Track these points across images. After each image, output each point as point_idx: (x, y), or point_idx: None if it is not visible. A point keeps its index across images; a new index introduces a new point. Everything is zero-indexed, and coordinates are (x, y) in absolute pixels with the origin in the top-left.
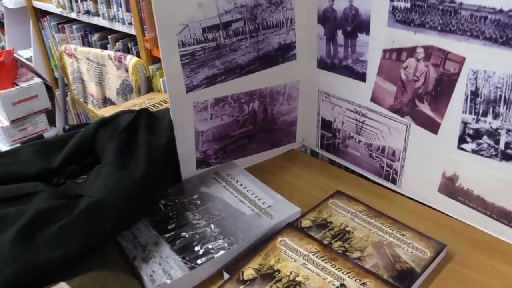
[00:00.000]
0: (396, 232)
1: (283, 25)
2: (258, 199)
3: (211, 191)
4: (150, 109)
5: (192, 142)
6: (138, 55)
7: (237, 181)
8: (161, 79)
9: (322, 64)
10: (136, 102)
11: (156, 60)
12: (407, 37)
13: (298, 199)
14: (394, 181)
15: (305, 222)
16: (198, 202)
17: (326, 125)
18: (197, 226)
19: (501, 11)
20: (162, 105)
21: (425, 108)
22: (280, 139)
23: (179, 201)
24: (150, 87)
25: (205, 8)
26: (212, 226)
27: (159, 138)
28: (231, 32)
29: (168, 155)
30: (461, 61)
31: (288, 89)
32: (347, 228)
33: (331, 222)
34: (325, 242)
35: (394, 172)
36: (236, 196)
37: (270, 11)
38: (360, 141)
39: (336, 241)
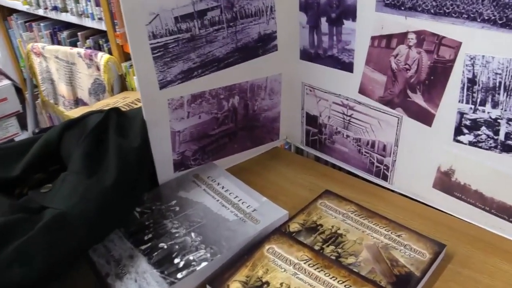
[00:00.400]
0: (391, 233)
1: (263, 14)
2: (242, 203)
3: (191, 196)
4: (123, 109)
5: (168, 143)
6: (110, 52)
7: (218, 184)
8: (135, 77)
9: (306, 55)
10: (109, 102)
11: (129, 57)
12: (397, 22)
13: (285, 200)
14: (385, 178)
15: (294, 226)
16: (177, 208)
17: (311, 120)
18: (176, 235)
19: None
20: (136, 104)
21: (418, 98)
22: (262, 136)
23: (156, 208)
24: (123, 86)
25: None
26: (192, 234)
27: (131, 140)
28: (207, 21)
29: (142, 158)
30: (457, 46)
31: (269, 83)
32: (339, 231)
33: (321, 225)
34: (316, 247)
35: (385, 168)
36: (218, 200)
37: None
38: (348, 136)
39: (328, 246)
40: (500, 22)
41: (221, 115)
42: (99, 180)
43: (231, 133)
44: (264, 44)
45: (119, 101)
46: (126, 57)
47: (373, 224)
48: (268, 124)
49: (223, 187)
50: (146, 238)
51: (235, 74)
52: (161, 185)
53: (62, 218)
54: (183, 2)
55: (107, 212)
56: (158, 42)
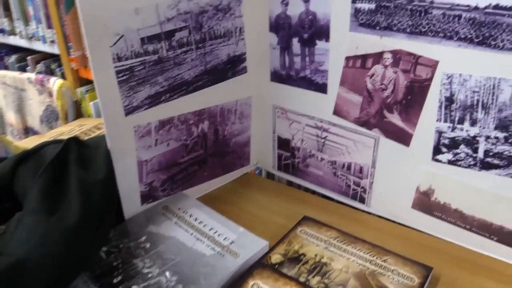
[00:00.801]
0: (376, 258)
1: (232, 35)
2: (218, 235)
3: (162, 230)
4: (81, 138)
5: (134, 173)
6: (63, 77)
7: (190, 215)
8: (91, 103)
9: (277, 77)
10: (64, 130)
11: (84, 82)
12: (372, 42)
13: (262, 230)
14: (362, 200)
15: (276, 258)
16: (148, 245)
17: (283, 144)
18: (149, 275)
19: (476, 8)
20: (94, 132)
21: (395, 118)
22: (233, 162)
23: (124, 246)
24: (79, 113)
25: (143, 15)
26: (167, 274)
27: (94, 172)
28: (175, 43)
29: (108, 191)
30: (433, 65)
31: (239, 106)
32: (323, 260)
33: (304, 254)
34: (302, 279)
35: (362, 190)
36: (192, 234)
37: (217, 18)
38: (322, 159)
39: (313, 277)
40: (477, 40)
41: (191, 142)
42: (60, 220)
43: (201, 161)
44: (234, 66)
45: (75, 129)
46: (81, 82)
47: (357, 250)
48: (238, 149)
49: (196, 219)
50: (115, 281)
51: (204, 98)
52: (128, 220)
53: (19, 266)
54: (150, 22)
55: (71, 255)
56: (123, 65)
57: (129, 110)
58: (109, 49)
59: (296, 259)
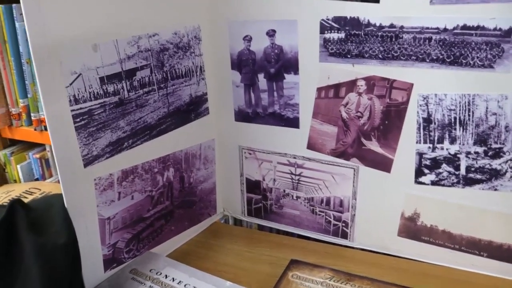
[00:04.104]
0: None
1: (193, 74)
2: None
3: None
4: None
5: (96, 234)
6: None
7: (166, 276)
8: (18, 166)
9: (242, 116)
10: None
11: (9, 143)
12: (344, 71)
13: (248, 281)
14: (345, 236)
15: None
16: None
17: (253, 186)
18: None
19: (445, 30)
20: (26, 197)
21: (373, 145)
22: (200, 212)
23: None
24: (3, 179)
25: (102, 51)
26: None
27: (53, 235)
28: (136, 82)
29: (72, 257)
30: (408, 87)
31: (204, 150)
32: None
33: None
34: None
35: (344, 225)
36: None
37: (178, 57)
38: (298, 197)
39: None
40: (448, 60)
41: (156, 193)
42: None
43: (168, 213)
44: (196, 107)
45: (1, 196)
46: (5, 143)
47: (358, 287)
48: (204, 197)
49: (173, 279)
50: None
51: (168, 142)
52: None
53: None
54: (110, 60)
55: None
56: (81, 108)
57: (89, 160)
58: (65, 90)
59: None
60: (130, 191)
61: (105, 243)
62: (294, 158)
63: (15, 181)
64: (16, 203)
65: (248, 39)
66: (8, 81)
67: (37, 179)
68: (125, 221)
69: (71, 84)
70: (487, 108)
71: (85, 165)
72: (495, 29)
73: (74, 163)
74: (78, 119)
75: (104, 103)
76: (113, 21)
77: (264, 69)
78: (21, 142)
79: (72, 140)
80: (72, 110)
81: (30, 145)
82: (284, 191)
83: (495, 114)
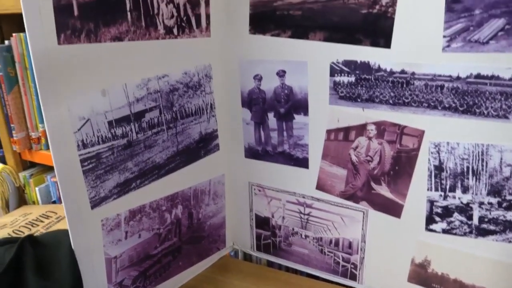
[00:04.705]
0: None
1: (203, 112)
2: None
3: None
4: (25, 229)
5: (102, 273)
6: (3, 161)
7: None
8: (36, 188)
9: (252, 153)
10: (6, 222)
11: (28, 165)
12: (354, 114)
13: None
14: (353, 277)
15: None
16: None
17: (262, 222)
18: None
19: (458, 78)
20: (42, 221)
21: (383, 190)
22: (208, 247)
23: None
24: (22, 200)
25: (111, 96)
26: None
27: (58, 280)
28: (145, 124)
29: None
30: (419, 134)
31: (213, 186)
32: None
33: None
34: None
35: (352, 266)
36: None
37: (188, 96)
38: (307, 236)
39: None
40: (461, 109)
41: (164, 230)
42: None
43: (175, 250)
44: (206, 144)
45: (19, 219)
46: (25, 165)
47: None
48: (213, 232)
49: None
50: None
51: (177, 180)
52: None
53: None
54: (118, 104)
55: None
56: (89, 152)
57: (96, 202)
58: (73, 136)
59: None
60: (137, 230)
61: (112, 281)
62: (303, 197)
63: (33, 203)
64: (25, 242)
65: (258, 78)
66: (28, 106)
67: (54, 202)
68: (132, 259)
69: (79, 129)
70: (501, 159)
71: (92, 207)
72: (510, 79)
73: (81, 205)
74: (86, 163)
75: (112, 146)
76: (122, 65)
77: (274, 108)
78: (40, 164)
79: (80, 183)
80: (80, 155)
81: (49, 168)
82: (293, 229)
83: (510, 165)
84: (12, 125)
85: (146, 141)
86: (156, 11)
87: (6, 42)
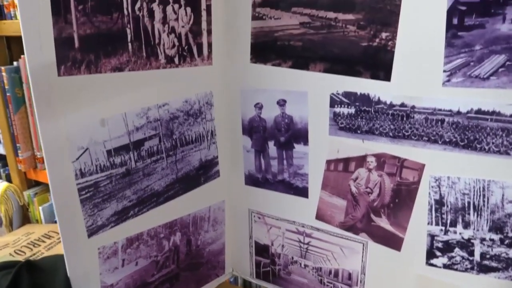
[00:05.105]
0: None
1: (204, 139)
2: None
3: None
4: (27, 249)
5: None
6: (8, 179)
7: None
8: (40, 207)
9: (252, 180)
10: (8, 241)
11: (33, 184)
12: (354, 146)
13: None
14: None
15: None
16: None
17: (261, 250)
18: None
19: (459, 112)
20: (44, 241)
21: (383, 222)
22: (207, 274)
23: None
24: (25, 218)
25: (110, 126)
26: None
27: None
28: (144, 152)
29: None
30: (420, 168)
31: (213, 212)
32: None
33: None
34: None
35: None
36: None
37: (189, 124)
38: (306, 265)
39: None
40: (462, 143)
41: (161, 257)
42: None
43: (173, 277)
44: (206, 171)
45: (21, 238)
46: (29, 184)
47: None
48: (212, 258)
49: None
50: None
51: (176, 207)
52: None
53: None
54: (117, 133)
55: None
56: (87, 181)
57: (93, 231)
58: (71, 165)
59: None
60: (134, 258)
61: None
62: (303, 226)
63: (37, 221)
64: (22, 267)
65: (259, 106)
66: (34, 127)
67: (56, 221)
68: (128, 287)
69: (77, 158)
70: (503, 195)
71: (89, 236)
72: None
73: (78, 234)
74: (84, 192)
75: (111, 175)
76: (122, 95)
77: (275, 137)
78: (45, 184)
79: (77, 212)
80: (78, 184)
81: None
82: (293, 258)
83: None
84: (18, 145)
85: (145, 169)
86: (157, 41)
87: (15, 63)
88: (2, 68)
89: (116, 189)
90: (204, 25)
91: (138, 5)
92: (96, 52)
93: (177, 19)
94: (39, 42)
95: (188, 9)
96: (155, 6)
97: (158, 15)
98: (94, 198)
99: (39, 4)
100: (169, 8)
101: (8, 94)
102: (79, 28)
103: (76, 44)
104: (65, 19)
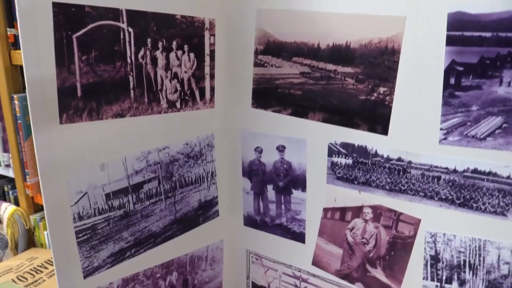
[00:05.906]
0: None
1: (204, 180)
2: None
3: None
4: (29, 275)
5: None
6: (16, 202)
7: None
8: (45, 232)
9: (250, 222)
10: (12, 265)
11: (39, 208)
12: (351, 196)
13: None
14: None
15: None
16: None
17: None
18: None
19: (455, 171)
20: (46, 267)
21: (378, 274)
22: None
23: None
24: (31, 241)
25: (110, 170)
26: None
27: None
28: (143, 195)
29: None
30: (416, 222)
31: (211, 252)
32: None
33: None
34: None
35: None
36: None
37: (189, 166)
38: None
39: None
40: (458, 202)
41: None
42: None
43: None
44: (205, 211)
45: (24, 263)
46: (36, 208)
47: None
48: None
49: None
50: None
51: (173, 248)
52: None
53: None
54: (117, 176)
55: None
56: (84, 224)
57: (89, 272)
58: (70, 209)
59: None
60: None
61: None
62: (299, 271)
63: (41, 245)
64: None
65: (259, 150)
66: None
67: None
68: None
69: (76, 203)
70: (499, 256)
71: (85, 277)
72: (508, 177)
73: (74, 275)
74: (81, 234)
75: (108, 217)
76: (123, 140)
77: (273, 181)
78: None
79: (73, 254)
80: (75, 227)
81: None
82: None
83: (508, 263)
84: (26, 170)
85: (143, 211)
86: (159, 86)
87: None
88: (15, 96)
89: (113, 231)
90: (207, 69)
91: (141, 53)
92: (98, 100)
93: (180, 65)
94: (42, 93)
95: (192, 55)
96: (158, 53)
97: (161, 62)
98: (91, 240)
99: (43, 56)
100: (172, 55)
101: (19, 121)
102: (82, 78)
103: (79, 93)
104: (69, 70)
